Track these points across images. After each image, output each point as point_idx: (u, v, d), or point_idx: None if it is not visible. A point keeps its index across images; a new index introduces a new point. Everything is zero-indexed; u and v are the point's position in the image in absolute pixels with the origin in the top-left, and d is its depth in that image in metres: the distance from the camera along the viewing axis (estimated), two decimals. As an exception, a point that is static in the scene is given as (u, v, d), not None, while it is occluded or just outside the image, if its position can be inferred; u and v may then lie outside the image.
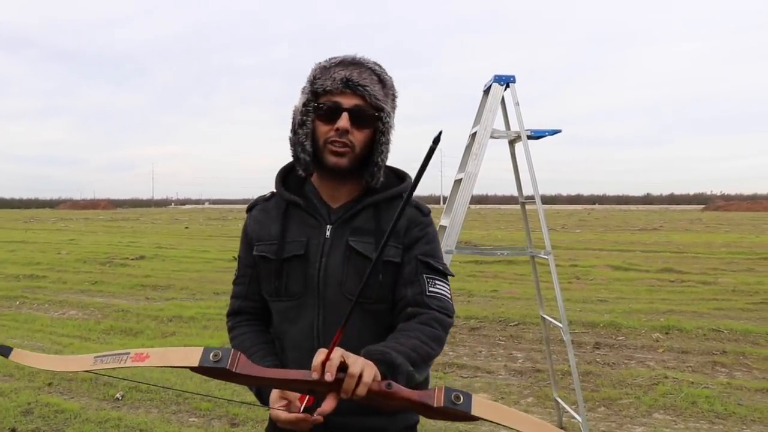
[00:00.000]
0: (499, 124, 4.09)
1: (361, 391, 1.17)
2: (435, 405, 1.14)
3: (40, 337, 7.76)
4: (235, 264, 1.78)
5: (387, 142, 1.62)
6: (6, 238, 24.74)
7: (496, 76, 3.99)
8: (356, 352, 1.57)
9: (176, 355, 1.18)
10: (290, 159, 1.69)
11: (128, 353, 1.19)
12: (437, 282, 1.60)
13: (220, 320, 8.51)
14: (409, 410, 1.20)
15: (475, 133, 4.06)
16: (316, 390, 1.22)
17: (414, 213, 1.65)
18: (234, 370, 1.15)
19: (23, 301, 10.37)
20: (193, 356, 1.16)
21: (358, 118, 1.56)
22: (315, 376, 1.17)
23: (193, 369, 1.16)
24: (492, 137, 4.01)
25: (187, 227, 36.42)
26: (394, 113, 1.65)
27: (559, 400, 4.58)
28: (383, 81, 1.62)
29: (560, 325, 4.13)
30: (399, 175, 1.73)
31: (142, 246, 21.07)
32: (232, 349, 1.17)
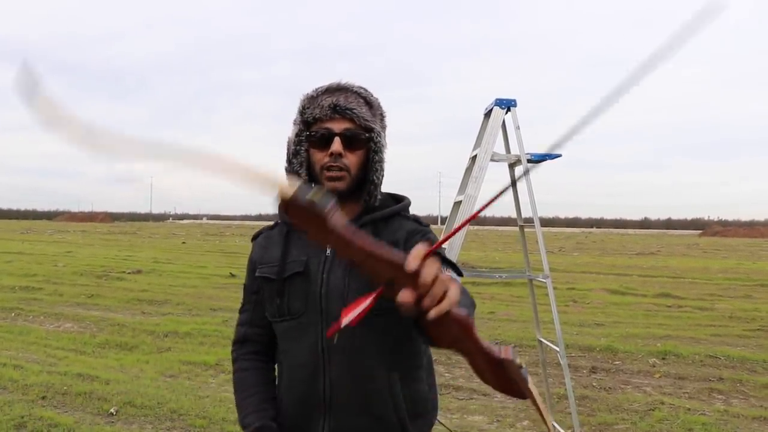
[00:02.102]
0: (499, 147, 4.12)
1: (445, 305, 0.96)
2: (502, 356, 0.99)
3: (34, 349, 7.72)
4: (233, 280, 1.80)
5: (380, 161, 1.65)
6: (2, 249, 24.67)
7: (497, 99, 4.02)
8: (360, 370, 1.59)
9: (258, 176, 0.91)
10: None
11: None
12: (450, 270, 1.60)
13: (216, 336, 8.49)
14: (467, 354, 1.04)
15: (476, 155, 4.08)
16: (399, 281, 0.97)
17: (413, 225, 1.68)
18: (329, 220, 0.92)
19: (18, 312, 10.33)
20: (285, 185, 0.91)
21: (350, 140, 1.60)
22: (414, 265, 0.94)
23: (285, 204, 0.92)
24: (492, 160, 4.03)
25: (184, 242, 36.39)
26: (384, 132, 1.70)
27: (555, 425, 4.56)
28: (370, 102, 1.67)
29: (557, 348, 4.12)
30: (396, 198, 1.76)
31: (139, 260, 21.03)
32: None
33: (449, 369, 7.03)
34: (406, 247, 1.62)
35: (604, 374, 6.95)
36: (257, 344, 1.77)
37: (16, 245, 28.44)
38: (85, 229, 61.51)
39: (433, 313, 0.95)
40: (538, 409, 1.07)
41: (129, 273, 16.35)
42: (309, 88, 1.71)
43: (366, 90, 1.69)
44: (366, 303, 1.05)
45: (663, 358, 7.59)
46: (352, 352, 1.58)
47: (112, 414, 5.34)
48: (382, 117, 1.71)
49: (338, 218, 0.93)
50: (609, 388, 6.42)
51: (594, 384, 6.54)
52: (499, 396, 6.09)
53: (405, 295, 0.95)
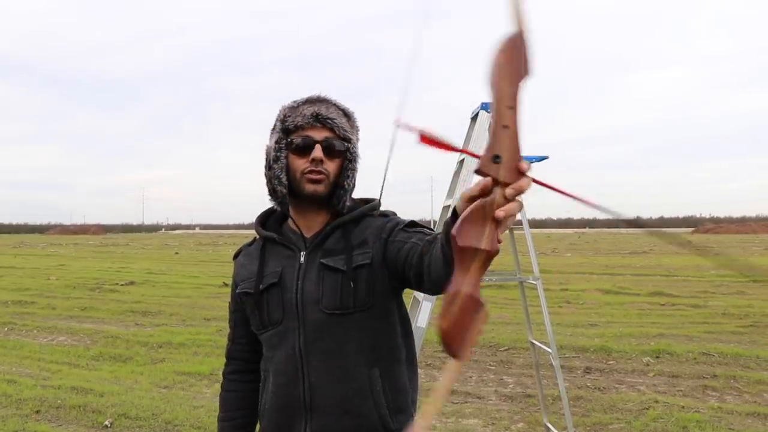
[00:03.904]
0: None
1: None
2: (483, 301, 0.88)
3: (28, 363, 7.69)
4: (226, 289, 1.86)
5: (353, 169, 1.71)
6: (-5, 264, 24.55)
7: (483, 103, 4.03)
8: (339, 370, 1.61)
9: None
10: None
11: None
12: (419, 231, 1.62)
13: (210, 346, 8.47)
14: None
15: (463, 159, 4.10)
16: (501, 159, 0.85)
17: (380, 220, 1.71)
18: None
19: (12, 327, 10.28)
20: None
21: (330, 149, 1.66)
22: (524, 167, 0.86)
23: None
24: (480, 164, 4.04)
25: (177, 252, 36.29)
26: (358, 144, 1.75)
27: (550, 426, 4.57)
28: (348, 114, 1.74)
29: (549, 350, 4.14)
30: (366, 201, 1.80)
31: (132, 271, 20.96)
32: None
33: (443, 373, 7.02)
34: (378, 240, 1.65)
35: (598, 374, 6.97)
36: (239, 362, 1.86)
37: (9, 260, 28.31)
38: (78, 241, 61.27)
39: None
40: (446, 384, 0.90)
41: (122, 285, 16.29)
42: (297, 95, 1.75)
43: (343, 104, 1.75)
44: (446, 143, 0.90)
45: (657, 357, 7.61)
46: (330, 353, 1.62)
47: (106, 426, 5.32)
48: (357, 129, 1.76)
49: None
50: (603, 388, 6.44)
51: (588, 384, 6.55)
52: (494, 399, 6.10)
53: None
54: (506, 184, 0.85)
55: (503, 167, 0.85)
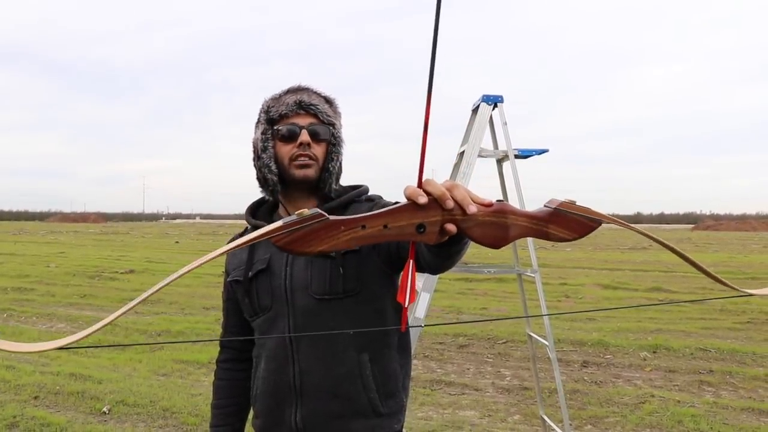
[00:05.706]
0: (487, 144, 4.14)
1: (473, 209, 0.97)
2: (553, 206, 1.00)
3: (27, 350, 7.71)
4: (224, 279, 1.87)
5: (338, 153, 1.73)
6: (-5, 251, 24.58)
7: (484, 96, 4.04)
8: (329, 354, 1.63)
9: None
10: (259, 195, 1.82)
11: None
12: None
13: (209, 335, 8.50)
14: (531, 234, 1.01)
15: (463, 152, 4.10)
16: (425, 223, 0.98)
17: (367, 205, 1.72)
18: (329, 219, 0.93)
19: (11, 313, 10.31)
20: (274, 225, 0.95)
21: (315, 133, 1.69)
22: (422, 200, 0.96)
23: (282, 232, 0.93)
24: (480, 156, 4.05)
25: (177, 242, 36.32)
26: (341, 129, 1.78)
27: (546, 418, 4.59)
28: (329, 101, 1.77)
29: (546, 343, 4.15)
30: (354, 188, 1.82)
31: (132, 260, 20.98)
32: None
33: (441, 365, 7.06)
34: None
35: (595, 368, 7.00)
36: (232, 350, 1.89)
37: (9, 246, 28.32)
38: (78, 229, 61.30)
39: (473, 209, 0.97)
40: (616, 221, 1.06)
41: (122, 273, 16.31)
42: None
43: (324, 91, 1.78)
44: (410, 273, 1.06)
45: (654, 352, 7.64)
46: (320, 338, 1.64)
47: (104, 413, 5.35)
48: (339, 115, 1.80)
49: (334, 217, 0.95)
50: (600, 381, 6.46)
51: (585, 378, 6.58)
52: (490, 391, 6.12)
53: (449, 226, 0.97)
54: (446, 212, 0.97)
55: (430, 219, 0.98)
